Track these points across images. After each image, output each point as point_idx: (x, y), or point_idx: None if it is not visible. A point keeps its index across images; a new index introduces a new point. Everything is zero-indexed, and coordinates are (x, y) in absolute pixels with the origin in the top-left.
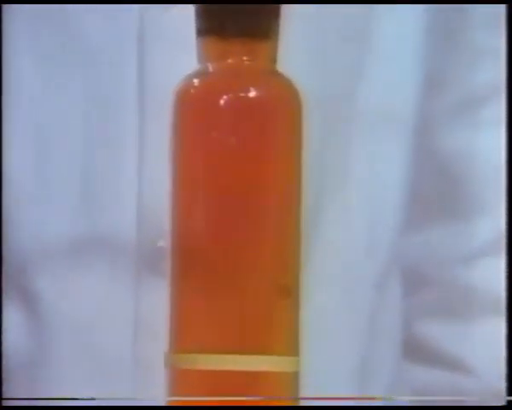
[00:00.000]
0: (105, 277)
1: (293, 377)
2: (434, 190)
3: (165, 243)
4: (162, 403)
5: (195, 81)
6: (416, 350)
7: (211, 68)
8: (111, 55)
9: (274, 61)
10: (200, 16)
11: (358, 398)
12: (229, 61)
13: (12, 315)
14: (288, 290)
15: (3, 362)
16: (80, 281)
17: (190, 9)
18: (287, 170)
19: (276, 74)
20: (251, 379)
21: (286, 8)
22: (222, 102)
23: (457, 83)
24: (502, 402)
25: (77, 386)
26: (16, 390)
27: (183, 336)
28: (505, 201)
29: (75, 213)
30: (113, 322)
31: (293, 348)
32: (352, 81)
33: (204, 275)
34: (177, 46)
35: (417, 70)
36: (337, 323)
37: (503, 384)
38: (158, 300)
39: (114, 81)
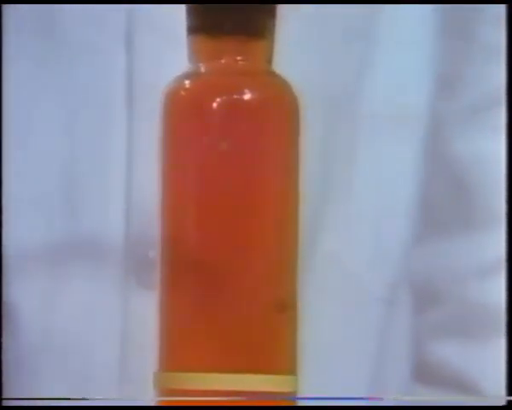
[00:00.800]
0: (89, 288)
1: (293, 397)
2: (446, 199)
3: (155, 253)
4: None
5: (186, 82)
6: (426, 372)
7: (203, 69)
8: (98, 55)
9: (269, 61)
10: (191, 13)
11: (359, 398)
12: (222, 61)
13: None
14: (284, 306)
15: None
16: (62, 292)
17: (180, 6)
18: (283, 176)
19: (271, 75)
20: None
21: (283, 7)
22: (214, 104)
23: (471, 84)
24: (502, 402)
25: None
26: None
27: (174, 354)
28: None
29: (57, 219)
30: (97, 336)
31: (290, 367)
32: (357, 81)
33: (195, 289)
34: (166, 45)
35: (427, 70)
36: (341, 342)
37: None
38: (146, 312)
39: (102, 81)
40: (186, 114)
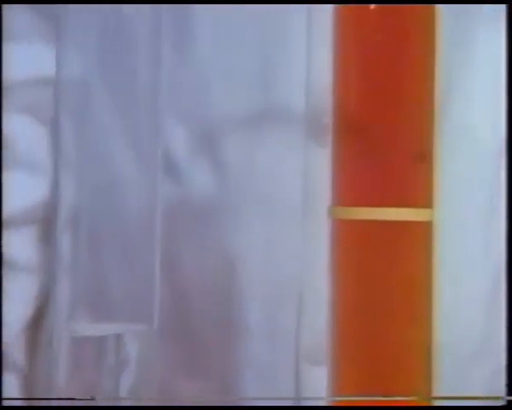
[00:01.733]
0: (279, 148)
1: (429, 226)
2: None
3: (328, 119)
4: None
5: None
6: None
7: None
8: None
9: None
10: None
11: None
12: None
13: (201, 175)
14: (423, 156)
15: (3, 363)
16: (259, 149)
17: None
18: (427, 60)
19: None
20: (396, 227)
21: None
22: (372, 6)
23: None
24: (502, 402)
25: (252, 232)
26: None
27: (343, 192)
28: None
29: (256, 93)
30: (284, 181)
31: (428, 202)
32: None
33: (359, 144)
34: None
35: None
36: (466, 183)
37: None
38: (322, 166)
39: None
40: (352, 12)
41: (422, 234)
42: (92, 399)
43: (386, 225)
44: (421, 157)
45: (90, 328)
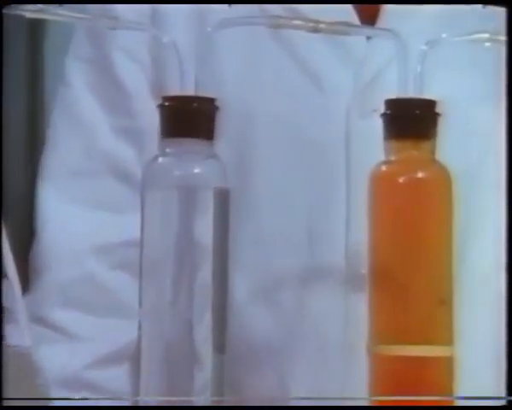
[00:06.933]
0: (325, 292)
1: (451, 360)
2: None
3: (365, 270)
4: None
5: (383, 167)
6: None
7: (393, 158)
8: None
9: (434, 152)
10: (385, 126)
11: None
12: (405, 154)
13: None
14: (444, 301)
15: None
16: (308, 301)
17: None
18: (445, 222)
19: (436, 162)
20: (423, 361)
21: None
22: (401, 180)
23: None
24: (502, 402)
25: None
26: None
27: (379, 333)
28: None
29: (303, 250)
30: (332, 324)
31: (450, 340)
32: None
33: (390, 292)
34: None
35: None
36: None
37: None
38: (362, 306)
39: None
40: (383, 187)
41: (446, 368)
42: (85, 399)
43: (417, 360)
44: (442, 302)
45: None
